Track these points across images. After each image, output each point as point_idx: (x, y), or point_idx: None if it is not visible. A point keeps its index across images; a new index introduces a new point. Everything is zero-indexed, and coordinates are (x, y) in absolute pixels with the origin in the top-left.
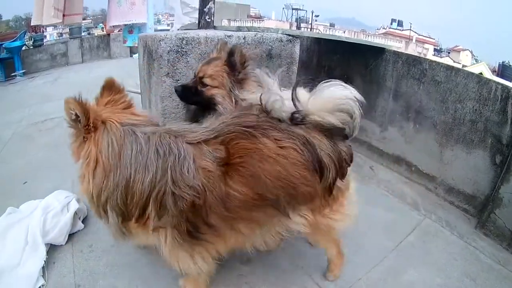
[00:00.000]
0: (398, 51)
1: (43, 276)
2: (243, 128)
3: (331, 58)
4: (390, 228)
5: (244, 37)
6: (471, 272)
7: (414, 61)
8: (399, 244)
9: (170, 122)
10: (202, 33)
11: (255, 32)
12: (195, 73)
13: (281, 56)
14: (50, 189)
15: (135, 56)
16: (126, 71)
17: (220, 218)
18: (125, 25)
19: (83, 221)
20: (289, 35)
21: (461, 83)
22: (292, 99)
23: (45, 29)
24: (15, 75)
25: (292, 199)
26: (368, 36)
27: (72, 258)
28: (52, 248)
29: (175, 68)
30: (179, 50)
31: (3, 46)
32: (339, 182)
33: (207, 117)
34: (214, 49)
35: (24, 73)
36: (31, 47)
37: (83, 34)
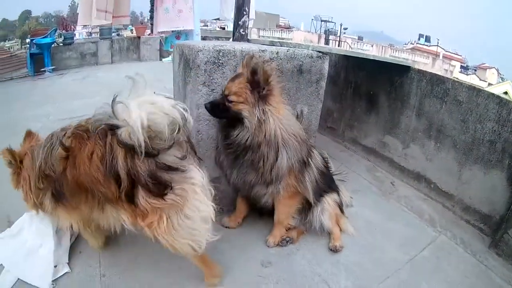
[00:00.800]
0: (422, 70)
1: (68, 263)
2: (82, 131)
3: (358, 74)
4: (406, 242)
5: (277, 52)
6: None
7: (438, 81)
8: (413, 258)
9: None
10: (238, 46)
11: (287, 48)
12: (222, 90)
13: (311, 72)
14: None
15: (165, 60)
16: (155, 74)
17: (67, 191)
18: (173, 31)
19: None
20: (319, 51)
21: (482, 103)
22: (112, 110)
23: (75, 27)
24: (44, 71)
25: (100, 195)
26: (396, 51)
27: (98, 252)
28: (78, 240)
29: (211, 78)
30: (216, 61)
31: (34, 41)
32: (150, 200)
33: (237, 128)
34: (240, 63)
35: (53, 70)
36: (61, 44)
37: (113, 35)
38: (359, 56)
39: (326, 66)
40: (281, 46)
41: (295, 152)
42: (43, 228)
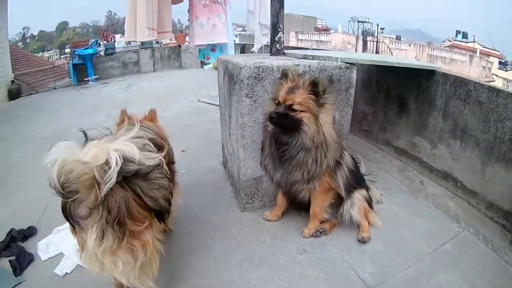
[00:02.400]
0: (446, 73)
1: None
2: None
3: (388, 78)
4: (430, 236)
5: (310, 65)
6: (498, 283)
7: (460, 83)
8: (435, 250)
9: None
10: (275, 62)
11: (318, 61)
12: (278, 101)
13: (340, 81)
14: None
15: (206, 67)
16: (199, 82)
17: None
18: (208, 44)
19: None
20: (347, 62)
21: (502, 103)
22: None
23: (114, 37)
24: (88, 80)
25: None
26: (434, 49)
27: None
28: None
29: (253, 90)
30: (257, 76)
31: (76, 53)
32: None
33: (295, 133)
34: (283, 77)
35: (96, 79)
36: (103, 54)
37: (153, 44)
38: (382, 64)
39: (354, 75)
40: (313, 59)
41: (334, 153)
42: None
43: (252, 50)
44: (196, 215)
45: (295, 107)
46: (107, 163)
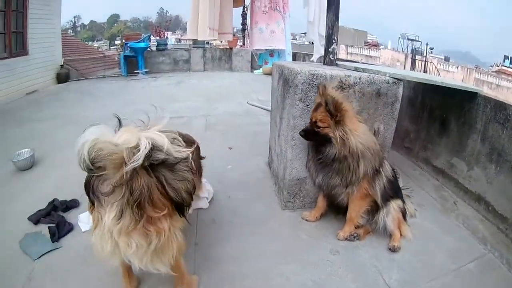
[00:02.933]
0: (488, 96)
1: None
2: None
3: (433, 97)
4: (456, 254)
5: (360, 77)
6: None
7: (500, 107)
8: (459, 268)
9: None
10: (328, 71)
11: (368, 74)
12: (311, 118)
13: (387, 95)
14: None
15: (256, 72)
16: (249, 86)
17: None
18: (266, 49)
19: (209, 201)
20: (395, 78)
21: None
22: None
23: (167, 33)
24: (138, 72)
25: None
26: (481, 73)
27: (195, 225)
28: None
29: (306, 95)
30: (310, 82)
31: (128, 45)
32: None
33: (327, 146)
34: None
35: (146, 72)
36: (155, 49)
37: (205, 45)
38: (429, 82)
39: (400, 90)
40: (363, 71)
41: (369, 161)
42: None
43: (311, 59)
44: (238, 208)
45: (318, 124)
46: (136, 147)
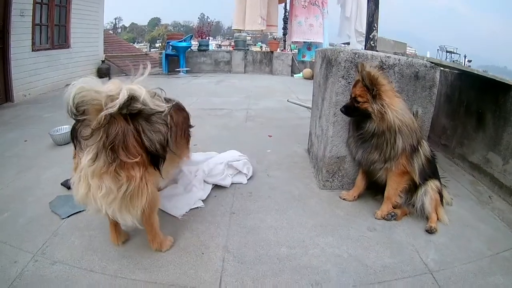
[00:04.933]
0: None
1: (203, 201)
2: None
3: (469, 93)
4: (492, 241)
5: (399, 59)
6: None
7: None
8: (495, 254)
9: None
10: (369, 52)
11: (407, 57)
12: (351, 95)
13: (425, 79)
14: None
15: (296, 76)
16: (288, 87)
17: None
18: (304, 42)
19: (249, 179)
20: (432, 62)
21: None
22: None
23: (209, 37)
24: (179, 71)
25: None
26: None
27: (232, 197)
28: (217, 188)
29: (348, 73)
30: (352, 60)
31: (171, 44)
32: None
33: (366, 121)
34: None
35: (187, 71)
36: (196, 50)
37: (247, 47)
38: (464, 70)
39: (437, 75)
40: (402, 55)
41: (407, 137)
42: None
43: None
44: (277, 185)
45: (358, 99)
46: (116, 95)
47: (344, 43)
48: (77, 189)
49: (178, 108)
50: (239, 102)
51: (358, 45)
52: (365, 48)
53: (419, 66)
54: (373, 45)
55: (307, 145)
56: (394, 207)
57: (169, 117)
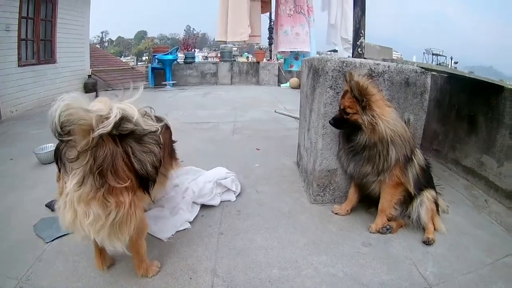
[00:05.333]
0: None
1: (190, 223)
2: None
3: (460, 97)
4: (491, 248)
5: (389, 66)
6: None
7: None
8: (495, 261)
9: None
10: (358, 59)
11: (396, 63)
12: (339, 106)
13: (416, 85)
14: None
15: (283, 85)
16: (275, 97)
17: None
18: (291, 51)
19: (237, 196)
20: (422, 67)
21: None
22: None
23: (195, 49)
24: (165, 84)
25: None
26: None
27: (220, 216)
28: (204, 207)
29: (336, 83)
30: (340, 69)
31: (156, 57)
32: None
33: (357, 133)
34: (344, 80)
35: (173, 84)
36: (182, 62)
37: (233, 59)
38: (454, 73)
39: (428, 80)
40: (391, 61)
41: (400, 148)
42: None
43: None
44: (266, 202)
45: (347, 110)
46: (107, 115)
47: (330, 51)
48: (63, 216)
49: (165, 127)
50: (226, 115)
51: (345, 53)
52: (352, 56)
53: (409, 72)
54: (361, 52)
55: (296, 157)
56: (389, 220)
57: (160, 137)
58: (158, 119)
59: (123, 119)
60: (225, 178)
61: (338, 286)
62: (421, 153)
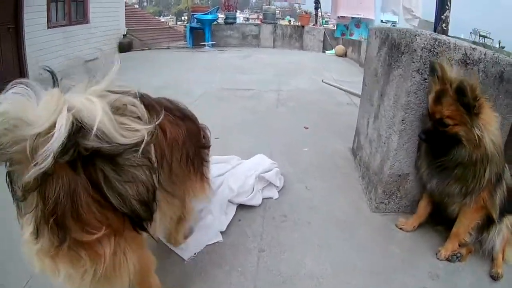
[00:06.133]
0: None
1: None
2: None
3: None
4: None
5: (485, 53)
6: None
7: None
8: None
9: None
10: (452, 39)
11: (492, 51)
12: (430, 113)
13: (510, 81)
14: (243, 150)
15: (328, 52)
16: (320, 64)
17: None
18: (352, 18)
19: (280, 191)
20: None
21: None
22: None
23: (236, 10)
24: (204, 45)
25: None
26: None
27: (262, 222)
28: (242, 207)
29: (425, 65)
30: (432, 49)
31: (195, 16)
32: None
33: (455, 147)
34: (431, 71)
35: (212, 45)
36: (223, 23)
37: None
38: None
39: None
40: (484, 47)
41: (496, 165)
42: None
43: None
44: (317, 204)
45: (446, 121)
46: (50, 130)
47: (387, 21)
48: (31, 262)
49: (180, 116)
50: (269, 81)
51: (406, 25)
52: (434, 31)
53: (505, 65)
54: (445, 28)
55: (352, 144)
56: (459, 246)
57: (158, 133)
58: (153, 109)
59: (78, 131)
60: (269, 171)
61: None
62: (507, 169)
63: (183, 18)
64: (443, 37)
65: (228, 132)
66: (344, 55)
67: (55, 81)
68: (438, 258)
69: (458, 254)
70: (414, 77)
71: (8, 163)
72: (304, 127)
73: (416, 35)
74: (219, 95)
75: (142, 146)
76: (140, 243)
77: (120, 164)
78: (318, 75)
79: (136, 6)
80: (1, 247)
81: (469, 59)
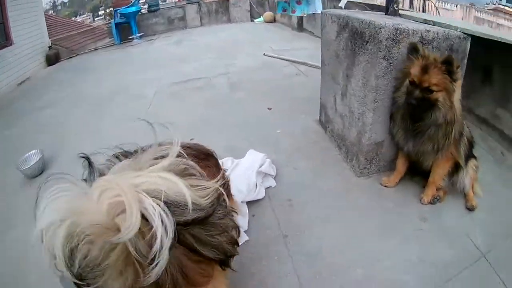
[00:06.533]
0: None
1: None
2: None
3: (476, 47)
4: None
5: (437, 32)
6: None
7: None
8: None
9: None
10: (410, 25)
11: (443, 29)
12: (413, 81)
13: (458, 51)
14: (225, 148)
15: (256, 20)
16: (255, 35)
17: None
18: None
19: (275, 177)
20: (464, 33)
21: None
22: None
23: None
24: (132, 38)
25: None
26: (478, 11)
27: (273, 211)
28: (250, 204)
29: (390, 53)
30: (394, 38)
31: (118, 11)
32: None
33: (429, 111)
34: (412, 52)
35: (141, 36)
36: (147, 11)
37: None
38: (492, 38)
39: (468, 46)
40: (434, 25)
41: (459, 126)
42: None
43: (339, 5)
44: (310, 182)
45: (433, 88)
46: (143, 226)
47: None
48: None
49: (204, 155)
50: (213, 65)
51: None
52: (386, 12)
53: (454, 39)
54: (397, 8)
55: (319, 116)
56: (437, 189)
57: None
58: (201, 155)
59: (174, 214)
60: (263, 164)
61: (417, 272)
62: (465, 125)
63: (99, 13)
64: (402, 25)
65: (197, 130)
66: (273, 20)
67: (91, 169)
68: (422, 203)
69: (438, 197)
70: (381, 64)
71: (92, 282)
72: (268, 108)
73: (381, 27)
74: (171, 92)
75: (222, 198)
76: (223, 279)
77: (210, 222)
78: (257, 49)
79: (51, 11)
80: None
81: (424, 40)
